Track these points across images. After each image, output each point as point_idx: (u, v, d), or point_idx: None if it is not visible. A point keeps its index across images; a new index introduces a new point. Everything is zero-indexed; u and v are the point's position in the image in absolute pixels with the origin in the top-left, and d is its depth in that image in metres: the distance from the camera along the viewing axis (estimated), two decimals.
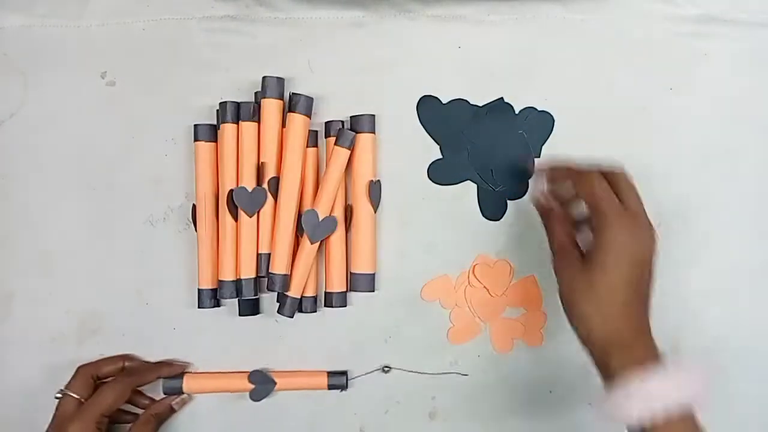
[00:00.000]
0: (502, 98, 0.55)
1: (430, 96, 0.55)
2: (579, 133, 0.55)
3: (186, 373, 0.53)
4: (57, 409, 0.49)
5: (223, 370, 0.54)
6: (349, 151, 0.52)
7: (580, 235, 0.49)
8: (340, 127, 0.53)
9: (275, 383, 0.53)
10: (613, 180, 0.47)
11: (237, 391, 0.53)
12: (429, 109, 0.55)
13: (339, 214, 0.53)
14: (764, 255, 0.55)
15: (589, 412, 0.54)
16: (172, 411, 0.53)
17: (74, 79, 0.55)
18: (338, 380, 0.53)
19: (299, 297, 0.52)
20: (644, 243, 0.45)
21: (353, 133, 0.52)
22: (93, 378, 0.51)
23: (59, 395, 0.49)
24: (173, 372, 0.53)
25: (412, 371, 0.54)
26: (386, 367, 0.54)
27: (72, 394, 0.49)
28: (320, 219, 0.51)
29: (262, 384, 0.53)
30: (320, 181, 0.53)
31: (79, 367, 0.51)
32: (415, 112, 0.55)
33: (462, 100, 0.55)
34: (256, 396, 0.53)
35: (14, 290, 0.54)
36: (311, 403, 0.54)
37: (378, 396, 0.54)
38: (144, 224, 0.55)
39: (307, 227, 0.51)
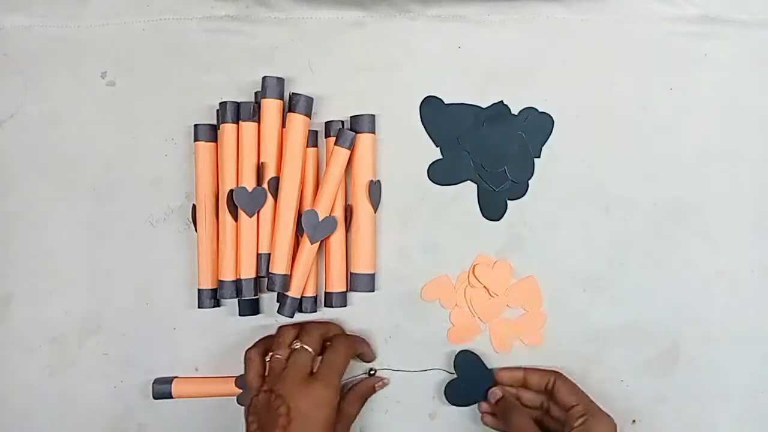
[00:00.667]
0: (501, 101, 0.55)
1: (433, 96, 0.55)
2: (579, 134, 0.55)
3: (175, 378, 0.53)
4: (293, 360, 0.48)
5: (224, 370, 0.54)
6: (349, 151, 0.52)
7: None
8: (340, 127, 0.53)
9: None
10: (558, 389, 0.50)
11: (224, 395, 0.53)
12: (431, 110, 0.55)
13: (339, 214, 0.53)
14: (764, 255, 0.55)
15: None
16: (373, 391, 0.54)
17: (74, 79, 0.55)
18: None
19: (299, 297, 0.52)
20: None
21: (353, 132, 0.52)
22: (321, 336, 0.50)
23: (297, 346, 0.49)
24: (367, 353, 0.53)
25: (399, 370, 0.54)
26: (372, 370, 0.54)
27: (308, 348, 0.49)
28: (320, 219, 0.51)
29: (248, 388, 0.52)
30: (320, 181, 0.53)
31: (307, 323, 0.51)
32: (415, 112, 0.55)
33: (464, 103, 0.55)
34: (245, 400, 0.52)
35: (14, 290, 0.54)
36: None
37: (378, 396, 0.54)
38: (144, 224, 0.55)
39: (307, 227, 0.51)
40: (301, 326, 0.52)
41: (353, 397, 0.52)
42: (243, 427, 0.47)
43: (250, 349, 0.51)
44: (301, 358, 0.48)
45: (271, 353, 0.49)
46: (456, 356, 0.54)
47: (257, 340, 0.52)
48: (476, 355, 0.54)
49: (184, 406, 0.54)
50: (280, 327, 0.52)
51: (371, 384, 0.53)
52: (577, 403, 0.49)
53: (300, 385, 0.47)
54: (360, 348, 0.52)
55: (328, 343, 0.51)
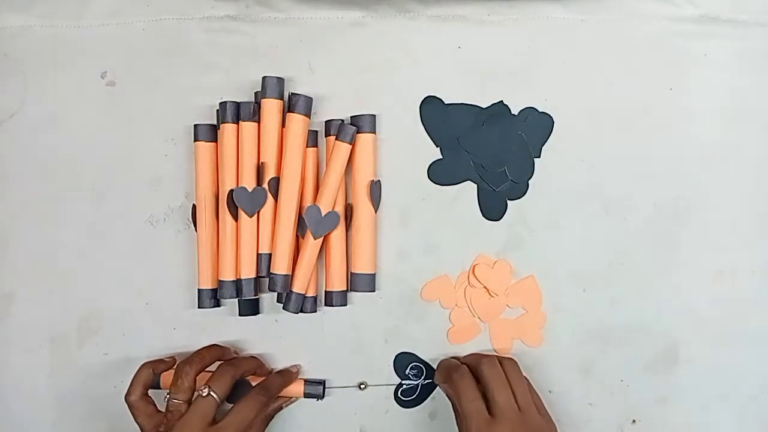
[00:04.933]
0: (501, 101, 0.55)
1: (433, 96, 0.55)
2: (579, 134, 0.55)
3: (167, 370, 0.53)
4: (194, 408, 0.46)
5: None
6: (350, 146, 0.52)
7: None
8: (341, 122, 0.53)
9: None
10: (482, 376, 0.48)
11: None
12: (432, 110, 0.55)
13: (340, 212, 0.53)
14: (764, 255, 0.55)
15: (588, 412, 0.54)
16: (280, 409, 0.53)
17: (74, 79, 0.55)
18: (314, 389, 0.53)
19: (304, 293, 0.52)
20: None
21: (354, 127, 0.52)
22: (234, 379, 0.48)
23: (204, 393, 0.46)
24: (290, 381, 0.52)
25: (385, 384, 0.54)
26: (362, 384, 0.54)
27: (215, 396, 0.46)
28: (323, 214, 0.51)
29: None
30: (320, 180, 0.53)
31: (221, 365, 0.49)
32: (415, 112, 0.55)
33: (464, 103, 0.55)
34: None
35: (14, 290, 0.54)
36: (311, 403, 0.54)
37: (378, 396, 0.54)
38: (144, 224, 0.55)
39: (309, 223, 0.51)
40: (203, 363, 0.49)
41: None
42: None
43: (127, 396, 0.49)
44: (204, 406, 0.46)
45: (168, 395, 0.47)
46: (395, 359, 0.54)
47: (130, 384, 0.50)
48: (414, 355, 0.54)
49: None
50: (179, 364, 0.49)
51: (279, 405, 0.52)
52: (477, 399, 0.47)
53: None
54: (281, 388, 0.51)
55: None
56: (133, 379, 0.50)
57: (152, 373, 0.50)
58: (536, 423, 0.47)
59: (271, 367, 0.54)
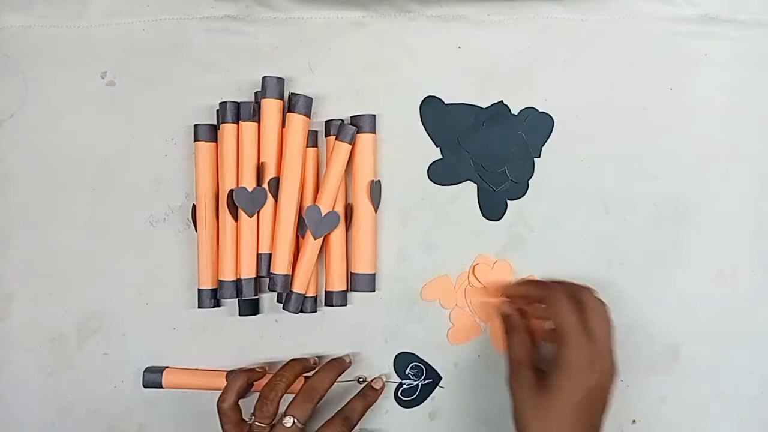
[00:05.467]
0: (501, 101, 0.55)
1: (433, 96, 0.55)
2: (579, 134, 0.55)
3: (167, 368, 0.53)
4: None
5: (223, 369, 0.54)
6: (350, 146, 0.52)
7: (543, 350, 0.50)
8: (341, 122, 0.53)
9: (252, 385, 0.52)
10: (583, 301, 0.47)
11: (215, 389, 0.53)
12: (431, 110, 0.55)
13: (340, 212, 0.53)
14: (764, 255, 0.55)
15: None
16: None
17: (74, 79, 0.55)
18: None
19: (304, 293, 0.52)
20: (602, 373, 0.46)
21: (354, 127, 0.52)
22: (315, 404, 0.49)
23: (288, 423, 0.47)
24: (373, 402, 0.52)
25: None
26: (360, 377, 0.54)
27: (299, 425, 0.47)
28: (323, 214, 0.51)
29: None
30: (320, 180, 0.53)
31: (302, 391, 0.49)
32: (415, 112, 0.55)
33: (464, 103, 0.55)
34: None
35: (14, 290, 0.54)
36: None
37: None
38: (144, 224, 0.55)
39: (310, 222, 0.51)
40: (293, 390, 0.50)
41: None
42: None
43: (221, 402, 0.49)
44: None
45: (253, 417, 0.48)
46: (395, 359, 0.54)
47: (224, 390, 0.50)
48: (414, 355, 0.54)
49: (184, 406, 0.54)
50: (264, 390, 0.49)
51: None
52: (556, 327, 0.47)
53: None
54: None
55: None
56: (227, 386, 0.50)
57: (246, 382, 0.50)
58: (615, 361, 0.47)
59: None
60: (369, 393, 0.52)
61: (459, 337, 0.55)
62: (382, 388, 0.53)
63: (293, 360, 0.52)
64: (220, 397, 0.49)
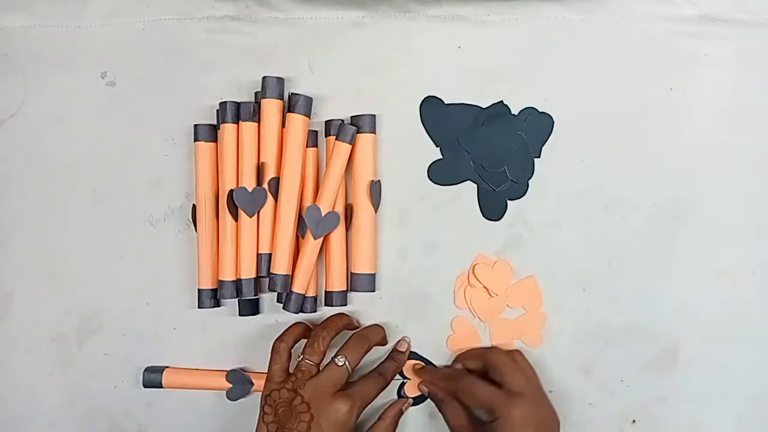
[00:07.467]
0: (501, 101, 0.55)
1: (433, 96, 0.55)
2: (579, 134, 0.55)
3: (167, 368, 0.53)
4: (329, 373, 0.48)
5: (223, 369, 0.54)
6: (350, 146, 0.52)
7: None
8: (341, 122, 0.53)
9: (252, 384, 0.53)
10: (493, 363, 0.50)
11: (215, 389, 0.53)
12: (431, 110, 0.55)
13: (340, 212, 0.53)
14: (764, 255, 0.55)
15: (589, 412, 0.54)
16: (401, 413, 0.53)
17: (74, 79, 0.55)
18: None
19: (304, 293, 0.52)
20: (544, 418, 0.49)
21: (354, 127, 0.52)
22: (366, 351, 0.51)
23: (339, 362, 0.48)
24: (402, 365, 0.53)
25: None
26: (402, 380, 0.54)
27: (349, 367, 0.49)
28: (323, 214, 0.51)
29: (239, 384, 0.53)
30: (320, 180, 0.53)
31: (355, 336, 0.51)
32: (415, 112, 0.55)
33: (464, 103, 0.55)
34: (233, 395, 0.53)
35: (14, 290, 0.54)
36: None
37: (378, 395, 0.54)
38: (144, 224, 0.55)
39: (310, 222, 0.51)
40: (345, 334, 0.52)
41: (384, 428, 0.52)
42: (258, 415, 0.48)
43: (279, 341, 0.50)
44: (338, 373, 0.48)
45: (303, 355, 0.49)
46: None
47: (284, 332, 0.51)
48: (415, 354, 0.54)
49: (185, 406, 0.54)
50: (316, 329, 0.51)
51: (398, 408, 0.53)
52: (490, 395, 0.48)
53: (328, 399, 0.47)
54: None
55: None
56: (288, 329, 0.51)
57: (303, 333, 0.51)
58: (549, 404, 0.50)
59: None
60: (397, 355, 0.53)
61: (459, 344, 0.54)
62: (408, 349, 0.54)
63: (339, 313, 0.53)
64: (279, 336, 0.51)
